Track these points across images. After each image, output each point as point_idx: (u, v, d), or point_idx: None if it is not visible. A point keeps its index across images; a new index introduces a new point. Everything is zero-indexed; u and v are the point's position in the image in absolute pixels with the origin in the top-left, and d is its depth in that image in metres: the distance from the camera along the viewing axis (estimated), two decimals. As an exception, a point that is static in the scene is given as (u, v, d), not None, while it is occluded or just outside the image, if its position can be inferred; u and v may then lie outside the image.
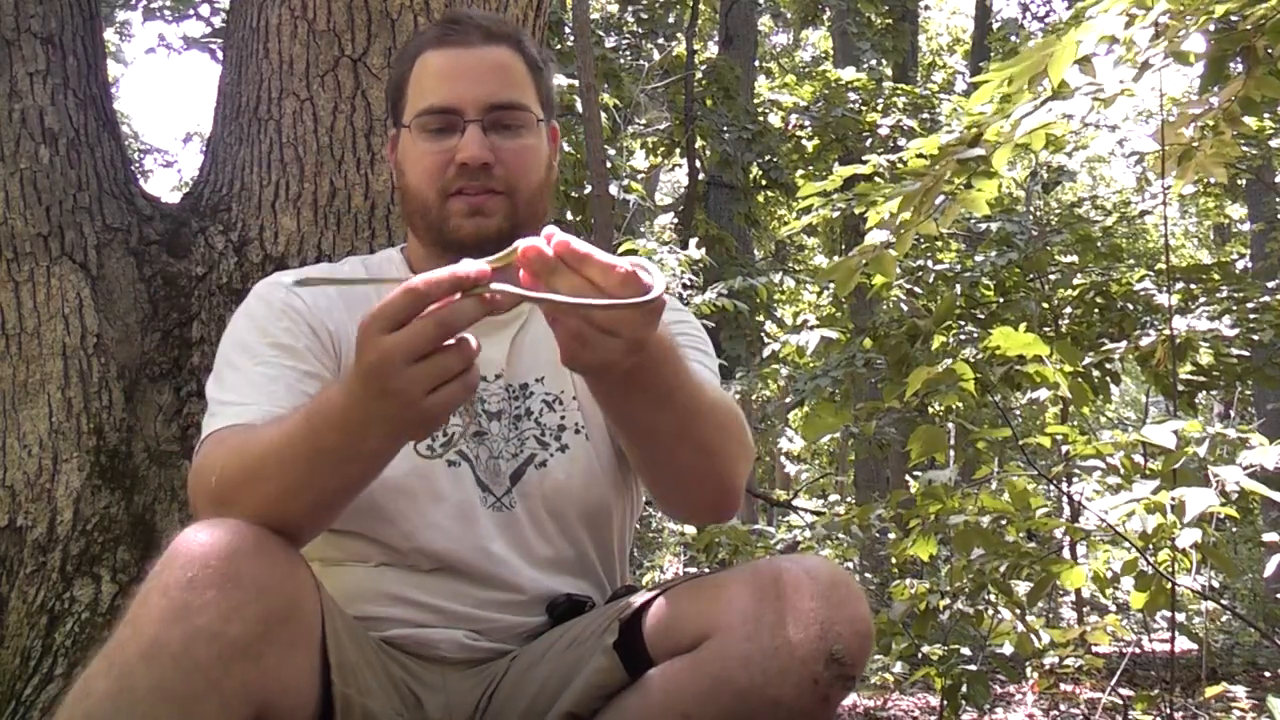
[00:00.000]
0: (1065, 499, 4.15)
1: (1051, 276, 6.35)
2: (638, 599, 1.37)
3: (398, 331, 1.04)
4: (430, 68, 1.49)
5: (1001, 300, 6.41)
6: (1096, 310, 6.21)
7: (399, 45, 2.29)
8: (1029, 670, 3.95)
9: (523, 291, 1.07)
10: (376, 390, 1.08)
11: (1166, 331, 4.83)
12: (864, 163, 4.13)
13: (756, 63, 14.14)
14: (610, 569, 1.58)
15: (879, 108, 10.87)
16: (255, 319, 1.46)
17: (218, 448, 1.31)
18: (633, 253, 6.69)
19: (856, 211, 3.39)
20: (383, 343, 1.05)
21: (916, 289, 6.46)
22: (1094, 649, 3.97)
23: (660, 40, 12.19)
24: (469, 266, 1.04)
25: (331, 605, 1.26)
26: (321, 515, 1.24)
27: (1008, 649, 3.64)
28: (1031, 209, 8.37)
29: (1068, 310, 6.32)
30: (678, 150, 12.31)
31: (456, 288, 1.04)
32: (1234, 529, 8.52)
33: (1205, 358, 6.01)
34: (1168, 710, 3.48)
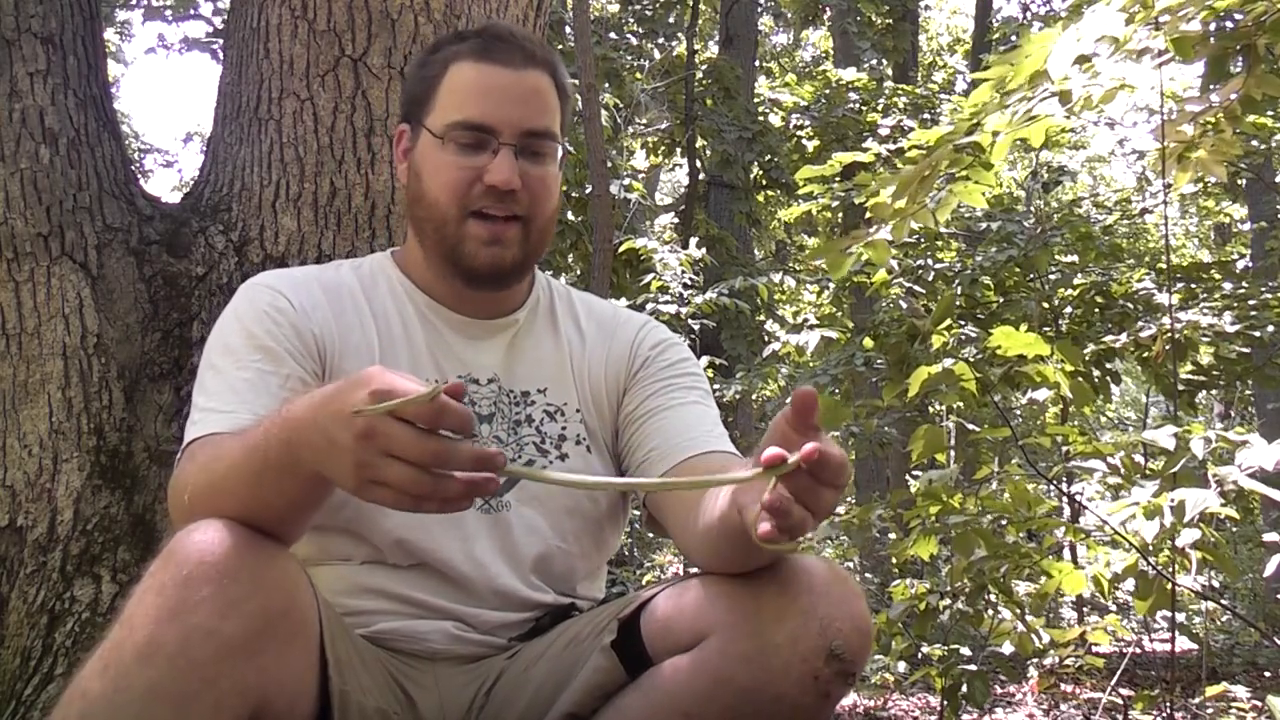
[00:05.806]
0: (1065, 499, 4.15)
1: (1051, 276, 6.35)
2: (636, 597, 1.37)
3: (402, 426, 1.01)
4: (468, 79, 1.48)
5: (1001, 300, 6.41)
6: (1097, 310, 6.21)
7: (399, 45, 2.29)
8: (1029, 670, 3.95)
9: (575, 478, 1.28)
10: (338, 443, 1.05)
11: (1166, 325, 4.82)
12: (864, 150, 4.12)
13: (757, 63, 14.13)
14: (593, 580, 1.58)
15: (879, 108, 10.86)
16: (242, 320, 1.46)
17: (190, 463, 1.30)
18: (633, 252, 6.69)
19: (856, 202, 3.36)
20: (384, 424, 1.02)
21: (916, 288, 6.46)
22: (1094, 649, 3.96)
23: (660, 40, 12.18)
24: (495, 450, 1.04)
25: (325, 603, 1.26)
26: (288, 528, 1.22)
27: (1008, 649, 3.64)
28: (1032, 209, 8.36)
29: (1068, 310, 6.32)
30: (678, 150, 12.31)
31: (481, 465, 1.03)
32: (1234, 529, 8.52)
33: (1205, 357, 6.00)
34: (1168, 710, 3.48)
